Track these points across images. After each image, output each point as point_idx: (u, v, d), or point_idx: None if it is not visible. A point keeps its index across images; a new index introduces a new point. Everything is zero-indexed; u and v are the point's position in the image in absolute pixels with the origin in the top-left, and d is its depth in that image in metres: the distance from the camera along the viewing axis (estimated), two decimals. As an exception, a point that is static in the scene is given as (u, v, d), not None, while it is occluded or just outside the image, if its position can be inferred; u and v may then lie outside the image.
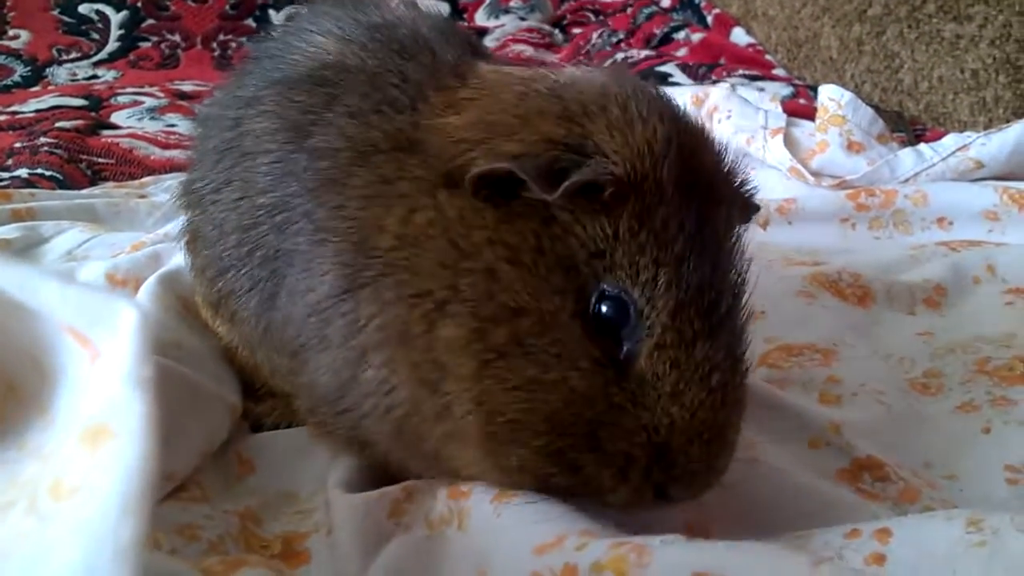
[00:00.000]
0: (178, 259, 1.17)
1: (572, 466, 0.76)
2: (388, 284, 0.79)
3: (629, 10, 3.13)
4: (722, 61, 2.70)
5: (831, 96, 1.78)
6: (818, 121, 1.77)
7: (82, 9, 2.92)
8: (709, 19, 2.96)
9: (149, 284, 1.14)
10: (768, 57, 2.73)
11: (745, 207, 0.88)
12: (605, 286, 0.76)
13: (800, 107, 2.09)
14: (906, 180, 1.62)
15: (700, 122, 0.87)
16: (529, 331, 0.76)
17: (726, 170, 0.86)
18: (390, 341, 0.79)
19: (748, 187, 0.89)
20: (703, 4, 3.02)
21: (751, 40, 2.81)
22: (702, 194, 0.79)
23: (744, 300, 0.83)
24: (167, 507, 0.86)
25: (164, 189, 1.74)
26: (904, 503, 0.90)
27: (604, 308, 0.77)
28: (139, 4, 2.95)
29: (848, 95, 1.76)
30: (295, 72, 0.96)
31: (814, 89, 2.07)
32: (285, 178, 0.89)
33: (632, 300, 0.76)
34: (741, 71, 2.58)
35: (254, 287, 0.91)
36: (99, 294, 0.40)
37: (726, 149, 0.87)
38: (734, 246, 0.83)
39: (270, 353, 0.95)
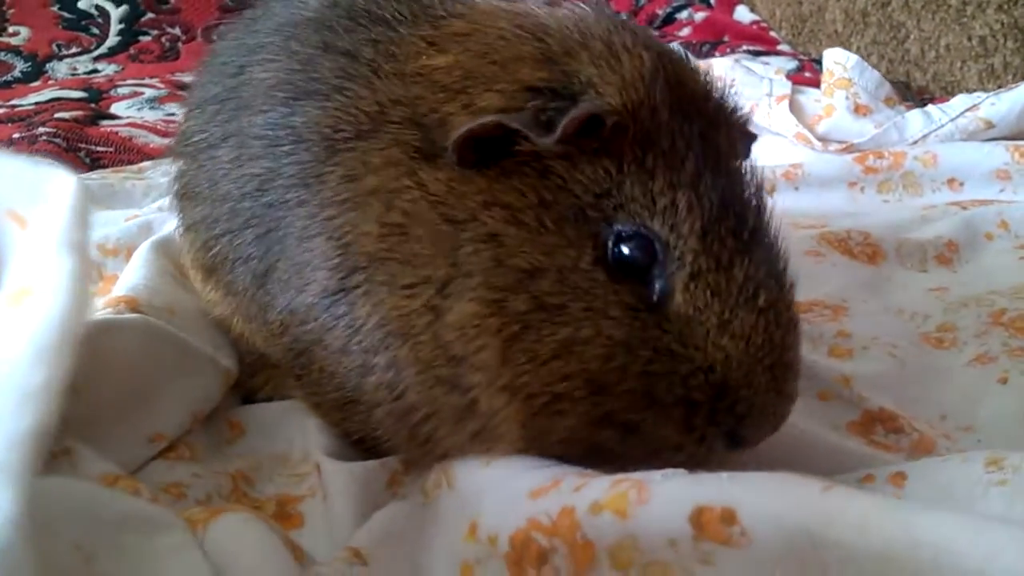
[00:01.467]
0: (171, 226, 1.13)
1: (627, 426, 0.71)
2: (380, 280, 0.74)
3: (608, 10, 3.09)
4: (726, 39, 2.67)
5: (836, 60, 1.75)
6: (824, 85, 1.74)
7: (81, 4, 2.91)
8: (712, -2, 2.92)
9: (142, 249, 1.11)
10: (772, 34, 2.70)
11: (743, 136, 0.84)
12: (619, 226, 0.71)
13: (805, 79, 2.06)
14: (915, 142, 1.59)
15: (681, 51, 0.83)
16: (550, 291, 0.70)
17: (717, 96, 0.81)
18: (392, 340, 0.74)
19: (741, 114, 0.85)
20: (706, -17, 2.99)
21: (755, 17, 2.78)
22: (699, 117, 0.75)
23: (768, 216, 0.77)
24: (153, 466, 0.84)
25: (163, 173, 1.72)
26: (919, 454, 0.87)
27: (624, 249, 0.71)
28: (138, -2, 2.94)
29: (854, 58, 1.73)
30: (302, 14, 0.91)
31: (819, 63, 2.04)
32: (275, 149, 0.84)
33: (653, 233, 0.71)
34: (745, 47, 2.55)
35: (248, 261, 0.87)
36: (34, 168, 0.38)
37: (713, 78, 0.83)
38: (742, 166, 0.79)
39: (264, 327, 0.90)
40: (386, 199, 0.74)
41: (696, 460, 0.70)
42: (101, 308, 0.95)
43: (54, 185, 0.38)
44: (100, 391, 0.83)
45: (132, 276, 1.04)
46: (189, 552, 0.62)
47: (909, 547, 0.51)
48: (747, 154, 0.83)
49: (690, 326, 0.71)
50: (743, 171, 0.78)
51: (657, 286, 0.71)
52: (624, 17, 0.83)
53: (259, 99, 0.87)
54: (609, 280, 0.71)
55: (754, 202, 0.76)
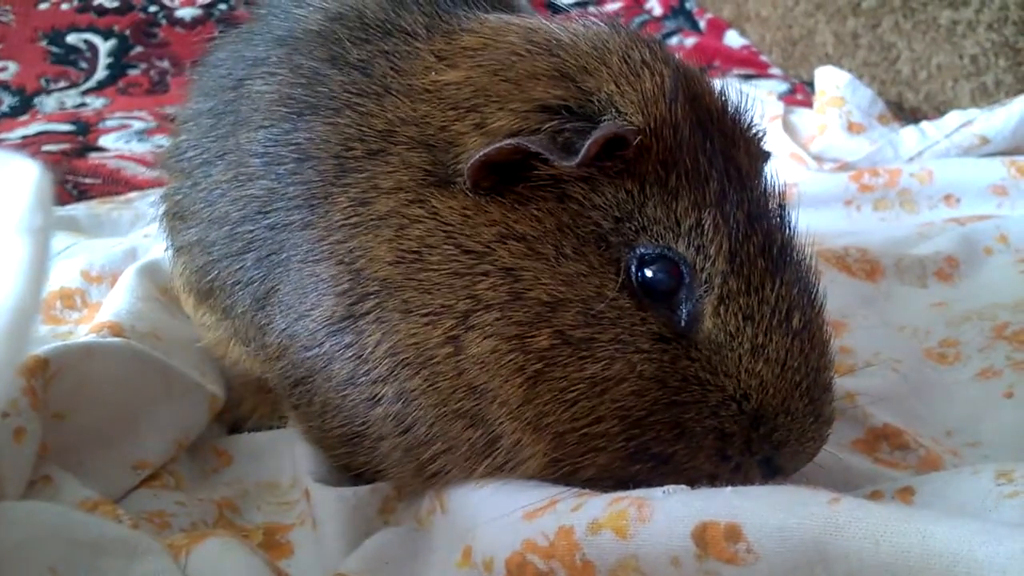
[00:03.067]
0: (157, 251, 1.11)
1: (660, 458, 0.68)
2: (393, 306, 0.71)
3: (620, 19, 3.10)
4: (716, 64, 2.66)
5: (829, 78, 1.74)
6: (817, 104, 1.73)
7: (70, 39, 2.90)
8: (702, 24, 2.92)
9: (127, 275, 1.09)
10: (763, 58, 2.70)
11: (759, 154, 0.81)
12: (642, 249, 0.69)
13: (797, 101, 2.05)
14: (910, 159, 1.57)
15: (697, 67, 0.80)
16: (574, 323, 0.67)
17: (734, 112, 0.78)
18: (403, 370, 0.71)
19: (757, 131, 0.82)
20: (695, 10, 2.99)
21: (745, 42, 2.78)
22: (719, 133, 0.73)
23: (794, 233, 0.75)
24: (137, 495, 0.81)
25: (150, 203, 1.70)
26: (926, 470, 0.85)
27: (648, 272, 0.68)
28: (127, 32, 2.93)
29: (847, 76, 1.72)
30: (305, 27, 0.87)
31: (811, 85, 2.04)
32: (276, 168, 0.81)
33: (678, 254, 0.68)
34: (736, 72, 2.54)
35: (248, 284, 0.83)
36: None
37: (729, 93, 0.80)
38: (764, 181, 0.76)
39: (261, 351, 0.86)
40: (398, 224, 0.72)
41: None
42: (85, 335, 0.93)
43: (14, 171, 0.36)
44: (83, 417, 0.81)
45: (116, 302, 1.02)
46: (170, 576, 0.59)
47: (924, 557, 0.49)
48: (762, 172, 0.80)
49: (721, 353, 0.68)
50: (765, 188, 0.75)
51: (684, 310, 0.69)
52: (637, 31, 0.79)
53: (259, 114, 0.84)
54: (635, 308, 0.68)
55: (779, 219, 0.74)
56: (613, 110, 0.69)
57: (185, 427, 0.90)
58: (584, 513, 0.62)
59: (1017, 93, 1.84)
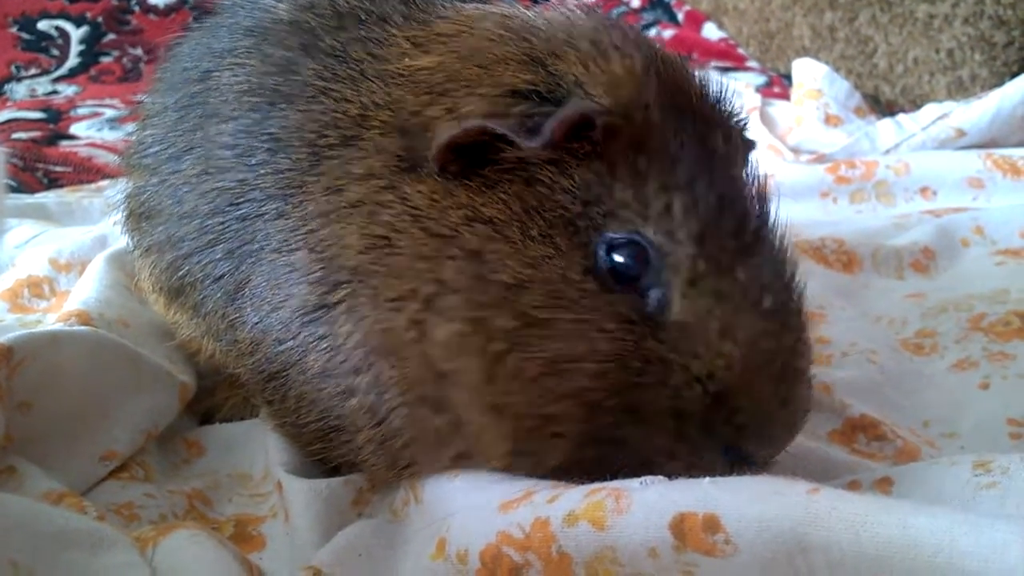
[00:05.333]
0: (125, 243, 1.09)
1: (614, 442, 0.67)
2: (363, 294, 0.70)
3: (598, 10, 3.09)
4: (694, 56, 2.66)
5: (806, 70, 1.74)
6: (794, 96, 1.73)
7: (41, 25, 2.86)
8: (680, 16, 2.92)
9: (96, 262, 1.07)
10: (740, 50, 2.70)
11: (741, 143, 0.79)
12: (610, 234, 0.67)
13: (775, 94, 2.05)
14: (887, 152, 1.58)
15: (677, 55, 0.78)
16: (537, 304, 0.66)
17: (714, 98, 0.77)
18: (374, 358, 0.70)
19: (739, 120, 0.80)
20: (673, 2, 2.98)
21: (723, 34, 2.78)
22: (694, 116, 0.71)
23: (772, 220, 0.73)
24: (105, 486, 0.80)
25: (120, 191, 1.68)
26: (904, 461, 0.85)
27: (617, 257, 0.67)
28: (100, 19, 2.90)
29: (824, 68, 1.72)
30: (274, 16, 0.86)
31: (788, 78, 2.04)
32: (247, 159, 0.79)
33: (646, 239, 0.67)
34: (714, 64, 2.54)
35: (218, 279, 0.82)
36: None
37: (710, 80, 0.79)
38: (743, 168, 0.74)
39: (233, 346, 0.85)
40: (369, 211, 0.71)
41: (693, 474, 0.64)
42: (52, 323, 0.91)
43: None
44: (48, 407, 0.79)
45: (84, 290, 1.00)
46: (135, 569, 0.59)
47: (906, 548, 0.48)
48: (745, 162, 0.78)
49: (688, 334, 0.66)
50: (743, 175, 0.74)
51: (653, 295, 0.67)
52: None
53: (228, 105, 0.82)
54: (601, 291, 0.67)
55: (756, 205, 0.72)
56: (580, 91, 0.68)
57: (154, 417, 0.88)
58: (560, 504, 0.61)
59: (993, 87, 1.85)
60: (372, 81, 0.76)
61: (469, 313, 0.67)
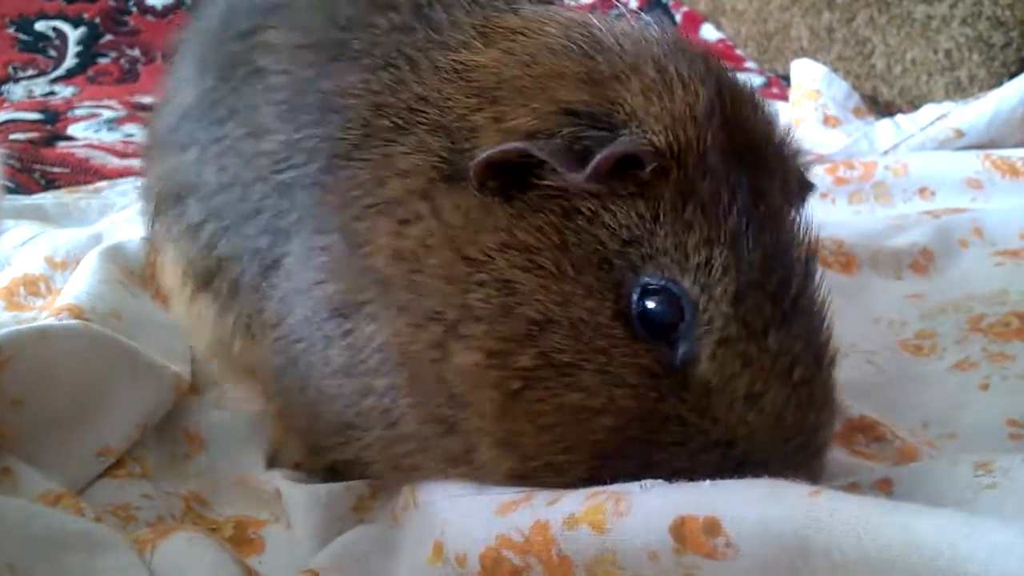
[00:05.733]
0: (122, 235, 1.08)
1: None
2: (387, 303, 0.68)
3: (599, 12, 3.08)
4: (693, 57, 2.66)
5: (804, 71, 1.73)
6: (792, 97, 1.73)
7: (38, 26, 2.86)
8: (678, 17, 2.92)
9: (89, 258, 1.07)
10: (738, 51, 2.70)
11: (800, 185, 0.75)
12: (646, 278, 0.64)
13: (773, 95, 2.05)
14: (885, 152, 1.58)
15: (750, 87, 0.74)
16: (561, 347, 0.63)
17: (778, 141, 0.73)
18: (392, 365, 0.68)
19: (802, 161, 0.77)
20: (671, 3, 2.98)
21: (720, 35, 2.77)
22: (753, 165, 0.67)
23: (817, 280, 0.70)
24: (101, 485, 0.79)
25: (119, 193, 1.67)
26: (904, 462, 0.84)
27: (649, 304, 0.64)
28: (97, 20, 2.89)
29: (822, 69, 1.72)
30: None
31: (786, 79, 2.04)
32: (297, 116, 0.75)
33: (682, 290, 0.63)
34: (712, 65, 2.54)
35: (258, 251, 0.78)
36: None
37: (777, 118, 0.75)
38: (795, 222, 0.70)
39: (259, 326, 0.80)
40: (402, 217, 0.68)
41: None
42: (43, 319, 0.91)
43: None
44: (41, 404, 0.79)
45: (77, 285, 0.99)
46: (134, 571, 0.58)
47: (907, 551, 0.48)
48: (802, 205, 0.75)
49: (712, 397, 0.64)
50: (795, 228, 0.70)
51: (681, 349, 0.64)
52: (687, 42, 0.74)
53: (280, 63, 0.79)
54: (628, 338, 0.64)
55: (802, 265, 0.68)
56: (636, 125, 0.64)
57: (149, 410, 0.87)
58: (560, 507, 0.60)
59: (991, 88, 1.84)
60: (429, 71, 0.73)
61: (491, 345, 0.64)
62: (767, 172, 0.68)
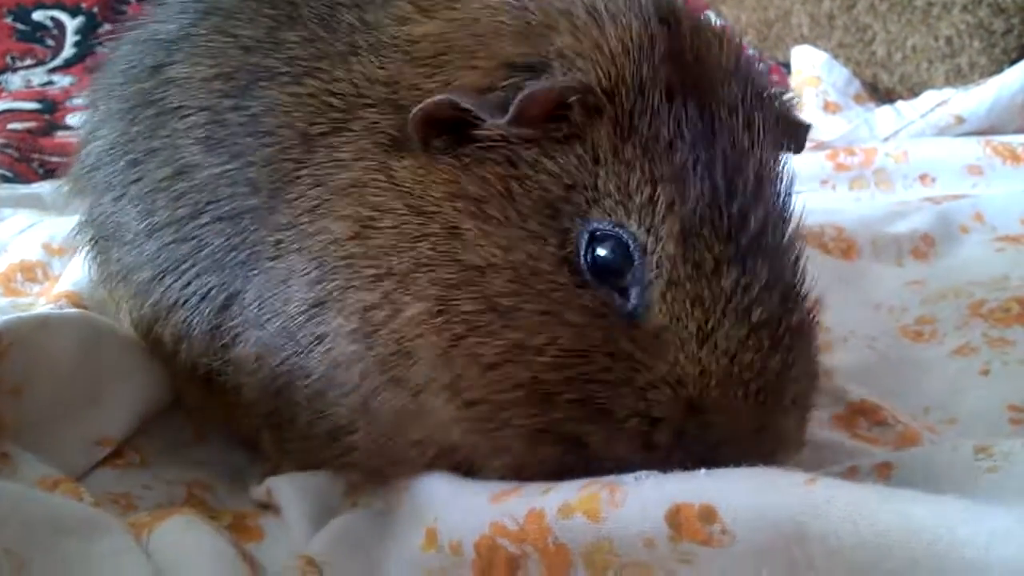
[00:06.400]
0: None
1: (572, 441, 0.62)
2: (349, 280, 0.67)
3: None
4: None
5: (805, 58, 1.73)
6: (793, 83, 1.72)
7: (36, 16, 2.84)
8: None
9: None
10: (739, 39, 2.70)
11: (789, 125, 0.72)
12: (594, 223, 0.63)
13: (774, 82, 2.04)
14: (886, 139, 1.57)
15: (720, 27, 0.71)
16: (503, 291, 0.62)
17: (745, 77, 0.69)
18: (361, 345, 0.67)
19: (781, 101, 0.73)
20: (671, -10, 2.98)
21: (721, 23, 2.77)
22: (708, 97, 0.65)
23: (789, 217, 0.67)
24: (100, 474, 0.79)
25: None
26: (905, 446, 0.84)
27: (600, 251, 0.62)
28: (95, 9, 2.88)
29: (823, 56, 1.72)
30: None
31: (786, 66, 2.03)
32: (227, 147, 0.74)
33: (630, 234, 0.62)
34: (712, 52, 2.53)
35: (205, 296, 0.75)
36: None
37: (751, 59, 0.72)
38: (767, 161, 0.66)
39: (229, 367, 0.77)
40: (358, 194, 0.68)
41: None
42: (42, 306, 0.90)
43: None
44: (40, 392, 0.78)
45: (75, 272, 0.99)
46: (131, 555, 0.58)
47: (905, 536, 0.48)
48: (799, 146, 0.72)
49: (662, 337, 0.62)
50: (766, 166, 0.66)
51: (633, 295, 0.63)
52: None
53: (194, 99, 0.77)
54: (573, 284, 0.63)
55: (769, 203, 0.65)
56: (562, 64, 0.63)
57: (149, 400, 0.86)
58: (555, 496, 0.60)
59: (991, 74, 1.84)
60: (366, 54, 0.72)
61: (436, 292, 0.64)
62: (727, 108, 0.66)
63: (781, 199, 0.68)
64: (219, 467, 0.88)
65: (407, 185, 0.67)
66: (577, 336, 0.62)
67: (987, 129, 1.54)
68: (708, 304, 0.61)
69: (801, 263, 0.68)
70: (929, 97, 1.60)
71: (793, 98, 0.76)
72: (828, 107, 1.67)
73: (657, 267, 0.62)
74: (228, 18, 0.79)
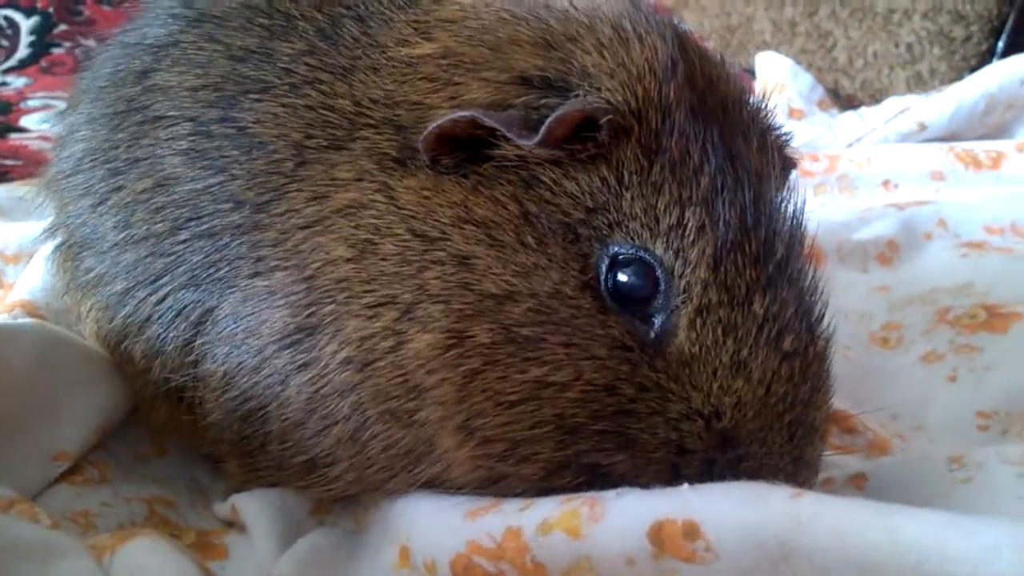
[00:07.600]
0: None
1: (595, 471, 0.60)
2: (344, 307, 0.64)
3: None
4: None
5: (770, 64, 1.73)
6: (757, 90, 1.72)
7: (-11, 15, 2.79)
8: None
9: (43, 252, 1.02)
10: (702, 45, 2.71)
11: (781, 161, 0.71)
12: (616, 247, 0.61)
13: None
14: (849, 145, 1.58)
15: (719, 55, 0.72)
16: (522, 321, 0.60)
17: (753, 108, 0.69)
18: (356, 376, 0.64)
19: (780, 135, 0.72)
20: (634, -5, 2.98)
21: (684, 28, 2.78)
22: (726, 124, 0.64)
23: (805, 242, 0.66)
24: (58, 491, 0.76)
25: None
26: (875, 454, 0.84)
27: (622, 276, 0.60)
28: (50, 9, 2.83)
29: (787, 62, 1.72)
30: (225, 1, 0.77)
31: (750, 72, 2.04)
32: (211, 159, 0.71)
33: (656, 257, 0.60)
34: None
35: (180, 312, 0.73)
36: None
37: (750, 88, 0.72)
38: (778, 187, 0.66)
39: (199, 384, 0.75)
40: (357, 216, 0.65)
41: None
42: (-3, 316, 0.88)
43: None
44: (-5, 405, 0.75)
45: (31, 279, 0.96)
46: (91, 579, 0.55)
47: (894, 553, 0.47)
48: (781, 181, 0.71)
49: (692, 366, 0.60)
50: (775, 195, 0.66)
51: (657, 322, 0.61)
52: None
53: (179, 108, 0.74)
54: (596, 310, 0.61)
55: (787, 230, 0.65)
56: (589, 84, 0.61)
57: (107, 413, 0.84)
58: (534, 513, 0.59)
59: (951, 81, 1.86)
60: (368, 72, 0.70)
61: (448, 324, 0.61)
62: (743, 133, 0.65)
63: (798, 223, 0.67)
64: (181, 482, 0.85)
65: (410, 208, 0.64)
66: (604, 369, 0.60)
67: (949, 136, 1.55)
68: (741, 332, 0.60)
69: (820, 287, 0.67)
70: (892, 103, 1.61)
71: (789, 134, 0.76)
72: (792, 114, 1.67)
73: (685, 292, 0.60)
74: (220, 26, 0.77)
